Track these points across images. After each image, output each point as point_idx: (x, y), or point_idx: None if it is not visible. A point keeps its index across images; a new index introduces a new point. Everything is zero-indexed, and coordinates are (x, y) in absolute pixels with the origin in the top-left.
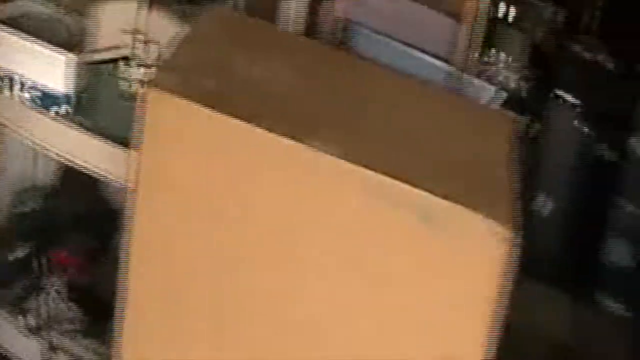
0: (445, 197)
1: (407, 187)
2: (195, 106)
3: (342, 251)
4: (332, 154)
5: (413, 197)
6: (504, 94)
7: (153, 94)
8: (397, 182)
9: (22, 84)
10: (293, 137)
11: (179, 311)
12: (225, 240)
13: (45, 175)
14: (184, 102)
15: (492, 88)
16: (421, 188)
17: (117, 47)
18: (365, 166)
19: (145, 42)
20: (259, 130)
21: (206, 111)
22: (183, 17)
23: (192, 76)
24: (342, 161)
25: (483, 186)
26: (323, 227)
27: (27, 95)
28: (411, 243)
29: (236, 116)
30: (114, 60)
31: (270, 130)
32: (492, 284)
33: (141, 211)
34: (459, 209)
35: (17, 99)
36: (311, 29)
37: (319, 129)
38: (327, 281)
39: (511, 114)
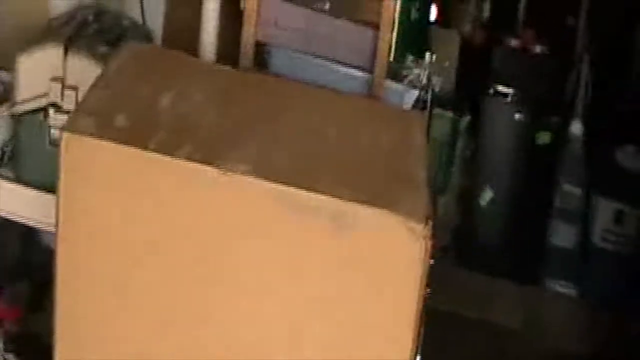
0: (354, 200)
1: (315, 195)
2: (108, 144)
3: (264, 264)
4: (241, 173)
5: (322, 203)
6: (425, 95)
7: (66, 138)
8: (305, 192)
9: None
10: (204, 162)
11: (111, 350)
12: (150, 271)
13: None
14: (96, 142)
15: (415, 91)
16: (330, 194)
17: (45, 96)
18: (273, 180)
19: (66, 88)
20: (170, 160)
21: (119, 148)
22: (103, 60)
23: (104, 116)
24: (251, 178)
25: (395, 184)
26: (244, 243)
27: None
28: (327, 249)
29: (148, 149)
30: (44, 109)
31: (182, 158)
32: (412, 279)
33: (64, 253)
34: (369, 210)
35: None
36: (229, 55)
37: (231, 150)
38: (254, 294)
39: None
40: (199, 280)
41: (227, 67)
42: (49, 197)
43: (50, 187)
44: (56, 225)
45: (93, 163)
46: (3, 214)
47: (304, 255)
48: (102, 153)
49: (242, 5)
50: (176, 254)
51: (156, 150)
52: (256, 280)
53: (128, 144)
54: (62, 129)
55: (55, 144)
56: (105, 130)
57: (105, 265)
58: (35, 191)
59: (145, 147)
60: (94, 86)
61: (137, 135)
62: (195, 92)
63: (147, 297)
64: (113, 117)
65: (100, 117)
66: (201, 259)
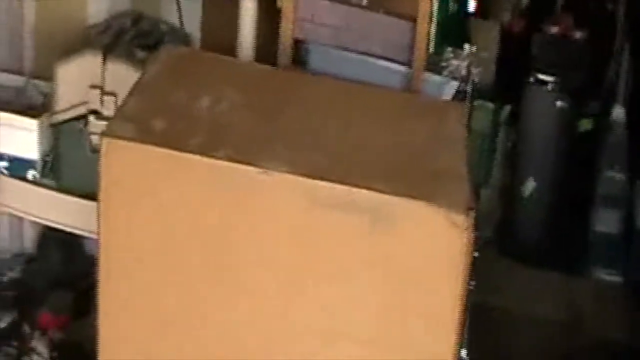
0: (394, 194)
1: (355, 190)
2: (147, 147)
3: (305, 262)
4: (280, 171)
5: (362, 198)
6: (465, 86)
7: (106, 143)
8: (344, 187)
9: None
10: (243, 162)
11: (154, 356)
12: (193, 274)
13: (26, 242)
14: (136, 146)
15: (455, 83)
16: (369, 188)
17: (85, 103)
18: (312, 176)
19: (105, 94)
20: (209, 161)
21: (158, 151)
22: (141, 65)
23: (143, 120)
24: (290, 175)
25: (436, 177)
26: (285, 241)
27: (1, 164)
28: (367, 244)
29: (187, 151)
30: (84, 116)
31: (220, 158)
32: (455, 271)
33: (106, 258)
34: (410, 202)
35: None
36: (268, 54)
37: (270, 149)
38: (294, 292)
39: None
40: (243, 281)
41: (266, 66)
42: (90, 204)
43: (91, 194)
44: (98, 230)
45: (133, 167)
46: (46, 222)
47: (345, 251)
48: (142, 157)
49: (279, 3)
50: (218, 256)
51: (195, 152)
52: (297, 277)
53: (167, 147)
54: (102, 134)
55: (96, 150)
56: (144, 134)
57: (147, 270)
58: (77, 199)
59: (184, 150)
60: (132, 91)
61: (175, 138)
62: (233, 93)
63: (190, 301)
64: (152, 121)
65: (139, 121)
66: (243, 260)
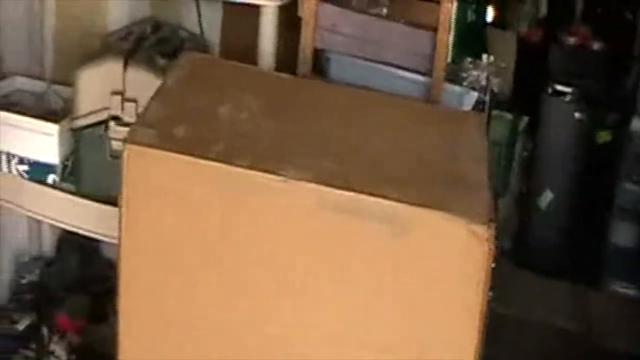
0: (415, 204)
1: (375, 199)
2: (169, 154)
3: (324, 269)
4: (301, 179)
5: (383, 208)
6: (484, 97)
7: (128, 149)
8: (365, 196)
9: (17, 158)
10: (264, 170)
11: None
12: (212, 280)
13: (45, 245)
14: (158, 153)
15: (474, 93)
16: (390, 198)
17: (105, 109)
18: (332, 185)
19: (126, 100)
20: (231, 168)
21: (180, 158)
22: (162, 71)
23: (164, 127)
24: (311, 184)
25: (456, 187)
26: (304, 249)
27: (21, 168)
28: (388, 253)
29: (209, 158)
30: (105, 122)
31: (242, 166)
32: (475, 282)
33: (126, 263)
34: (431, 213)
35: (12, 172)
36: (288, 63)
37: (290, 158)
38: (313, 299)
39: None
40: (261, 288)
41: (286, 75)
42: (108, 209)
43: (110, 199)
44: (119, 235)
45: (154, 173)
46: (64, 226)
47: (365, 260)
48: (164, 163)
49: (299, 12)
50: (237, 263)
51: (216, 159)
52: (316, 285)
53: (189, 154)
54: (124, 140)
55: (115, 156)
56: (166, 141)
57: (168, 275)
58: (95, 203)
59: (205, 157)
60: (153, 98)
61: (197, 145)
62: (253, 101)
63: (209, 306)
64: (173, 128)
65: (160, 128)
66: (262, 267)
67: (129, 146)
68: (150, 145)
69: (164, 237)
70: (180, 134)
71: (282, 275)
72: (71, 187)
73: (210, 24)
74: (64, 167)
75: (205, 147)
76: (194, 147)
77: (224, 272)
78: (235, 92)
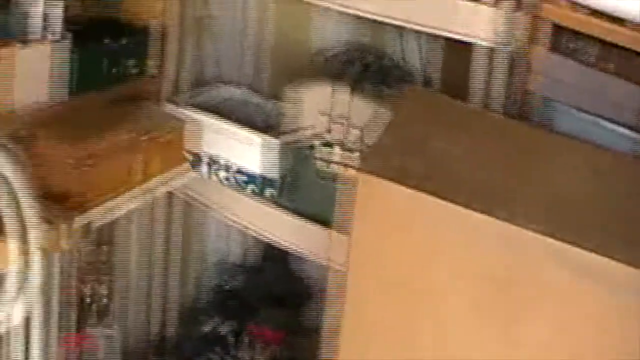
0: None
1: (599, 257)
2: (404, 189)
3: (549, 327)
4: (535, 231)
5: (605, 267)
6: None
7: (363, 178)
8: (589, 254)
9: (224, 166)
10: (496, 216)
11: None
12: (433, 316)
13: (238, 252)
14: (391, 185)
15: None
16: (612, 258)
17: (313, 129)
18: (570, 242)
19: (346, 125)
20: (463, 211)
21: (414, 194)
22: (379, 99)
23: (396, 159)
24: (539, 235)
25: None
26: (526, 301)
27: (228, 176)
28: (605, 313)
29: (440, 196)
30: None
31: (474, 209)
32: None
33: (354, 292)
34: None
35: (219, 180)
36: (503, 105)
37: (517, 205)
38: (525, 349)
39: None
40: (476, 329)
41: (507, 119)
42: (313, 228)
43: (315, 217)
44: (346, 260)
45: (386, 205)
46: (277, 239)
47: (580, 318)
48: (394, 195)
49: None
50: (455, 302)
51: (450, 200)
52: (529, 335)
53: (424, 191)
54: (358, 169)
55: (321, 176)
56: (397, 173)
57: (392, 302)
58: (300, 220)
59: (438, 196)
60: (385, 129)
61: (431, 183)
62: (479, 143)
63: (429, 342)
64: (407, 162)
65: (391, 160)
66: (480, 308)
67: (363, 176)
68: (383, 177)
69: (390, 265)
70: (414, 169)
71: (495, 319)
72: (284, 201)
73: (431, 60)
74: (283, 181)
75: (438, 186)
76: (429, 184)
77: (443, 310)
78: (463, 133)
